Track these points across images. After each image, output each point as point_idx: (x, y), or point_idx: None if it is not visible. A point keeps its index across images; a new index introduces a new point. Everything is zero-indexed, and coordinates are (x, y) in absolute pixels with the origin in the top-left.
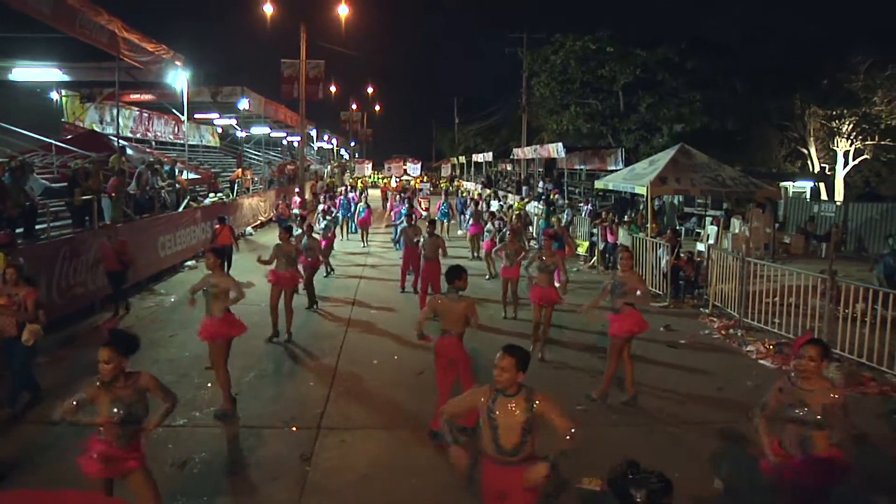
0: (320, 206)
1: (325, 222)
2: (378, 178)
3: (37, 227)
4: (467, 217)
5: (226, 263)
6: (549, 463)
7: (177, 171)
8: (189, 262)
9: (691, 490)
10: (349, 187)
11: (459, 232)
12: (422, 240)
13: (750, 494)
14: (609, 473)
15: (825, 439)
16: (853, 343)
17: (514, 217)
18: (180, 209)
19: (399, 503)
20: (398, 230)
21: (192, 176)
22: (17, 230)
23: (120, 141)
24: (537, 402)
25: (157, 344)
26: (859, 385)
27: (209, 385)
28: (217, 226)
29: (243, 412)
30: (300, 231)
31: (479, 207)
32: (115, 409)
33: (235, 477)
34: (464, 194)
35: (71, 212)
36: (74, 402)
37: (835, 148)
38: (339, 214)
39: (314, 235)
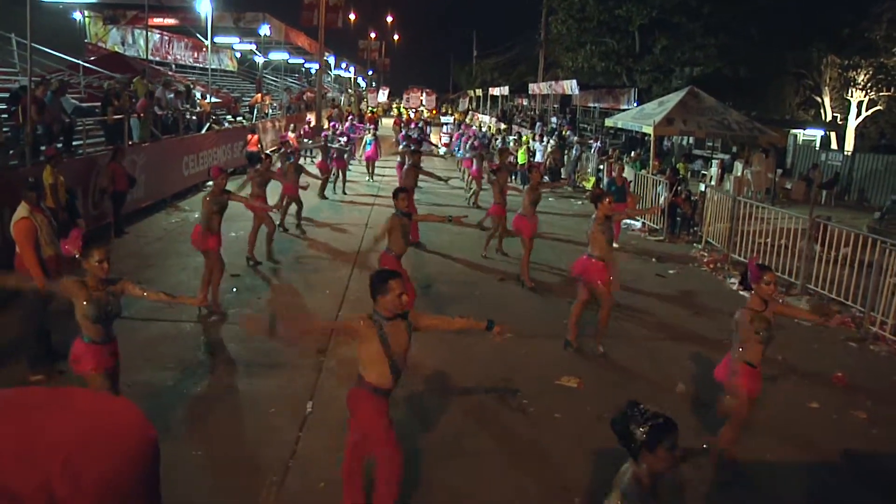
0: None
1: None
2: (399, 109)
3: (73, 143)
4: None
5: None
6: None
7: (196, 94)
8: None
9: (659, 391)
10: (355, 117)
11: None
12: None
13: (704, 394)
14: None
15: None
16: (826, 280)
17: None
18: (203, 131)
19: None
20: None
21: (213, 100)
22: (58, 146)
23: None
24: (410, 317)
25: (183, 254)
26: (825, 315)
27: (234, 290)
28: (249, 135)
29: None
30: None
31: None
32: (102, 308)
33: (257, 366)
34: (480, 128)
35: (105, 130)
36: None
37: (849, 98)
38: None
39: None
